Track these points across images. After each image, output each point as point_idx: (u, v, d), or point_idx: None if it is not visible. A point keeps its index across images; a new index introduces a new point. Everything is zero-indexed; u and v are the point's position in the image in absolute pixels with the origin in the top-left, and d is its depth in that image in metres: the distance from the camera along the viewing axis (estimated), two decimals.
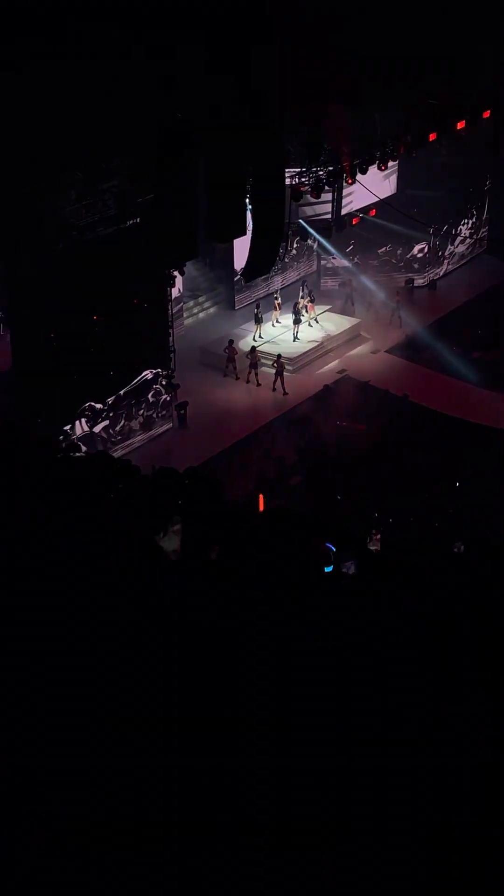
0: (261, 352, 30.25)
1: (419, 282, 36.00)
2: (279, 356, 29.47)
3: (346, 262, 34.66)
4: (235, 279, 32.38)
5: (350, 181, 28.43)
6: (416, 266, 36.00)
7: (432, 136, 29.40)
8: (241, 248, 30.97)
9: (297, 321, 31.39)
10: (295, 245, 32.47)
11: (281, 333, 31.65)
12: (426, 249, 35.82)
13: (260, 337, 31.33)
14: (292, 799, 4.82)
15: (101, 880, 4.57)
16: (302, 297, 32.27)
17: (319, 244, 33.77)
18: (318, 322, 32.32)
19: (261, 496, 20.04)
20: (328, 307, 33.44)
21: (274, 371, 29.22)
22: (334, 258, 34.68)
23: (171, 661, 5.07)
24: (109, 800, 4.76)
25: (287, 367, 29.59)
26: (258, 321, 31.56)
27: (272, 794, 4.80)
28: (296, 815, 4.78)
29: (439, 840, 4.73)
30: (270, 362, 29.58)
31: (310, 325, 32.01)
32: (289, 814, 4.77)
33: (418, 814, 4.79)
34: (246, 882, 4.57)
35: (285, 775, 4.84)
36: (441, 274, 36.73)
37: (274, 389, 29.21)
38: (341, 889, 4.62)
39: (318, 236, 31.45)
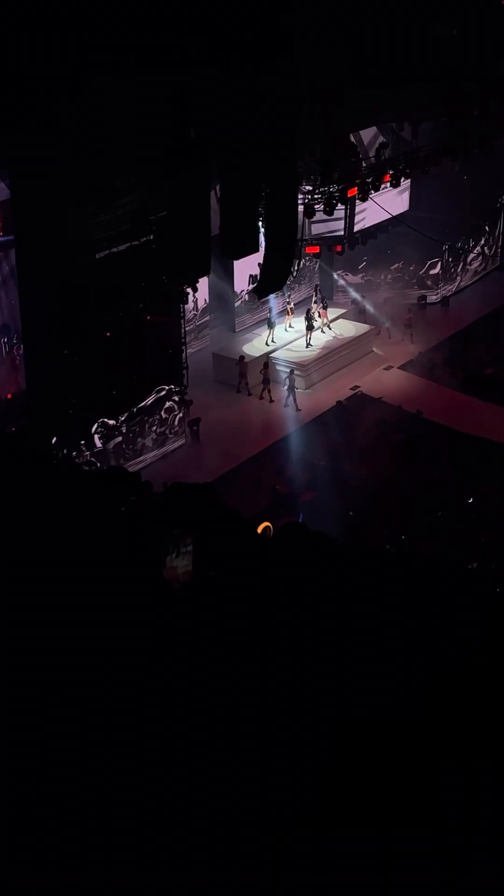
0: (274, 358, 30.15)
1: (432, 298, 35.97)
2: (292, 371, 29.43)
3: (356, 280, 34.64)
4: (237, 303, 32.27)
5: (362, 198, 28.41)
6: (428, 283, 35.97)
7: (445, 154, 29.40)
8: (241, 270, 31.03)
9: (309, 327, 31.25)
10: (303, 263, 32.42)
11: (294, 339, 31.53)
12: (439, 268, 35.78)
13: (273, 342, 31.21)
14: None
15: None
16: (315, 303, 32.16)
17: (322, 265, 33.79)
18: (330, 328, 32.19)
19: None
20: (343, 311, 33.33)
21: (286, 387, 29.20)
22: (347, 275, 34.68)
23: (174, 673, 5.06)
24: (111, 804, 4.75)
25: (299, 378, 29.55)
26: (270, 325, 31.42)
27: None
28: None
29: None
30: (283, 377, 29.51)
31: (322, 331, 31.90)
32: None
33: None
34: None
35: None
36: (454, 290, 36.69)
37: (286, 405, 29.18)
38: None
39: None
